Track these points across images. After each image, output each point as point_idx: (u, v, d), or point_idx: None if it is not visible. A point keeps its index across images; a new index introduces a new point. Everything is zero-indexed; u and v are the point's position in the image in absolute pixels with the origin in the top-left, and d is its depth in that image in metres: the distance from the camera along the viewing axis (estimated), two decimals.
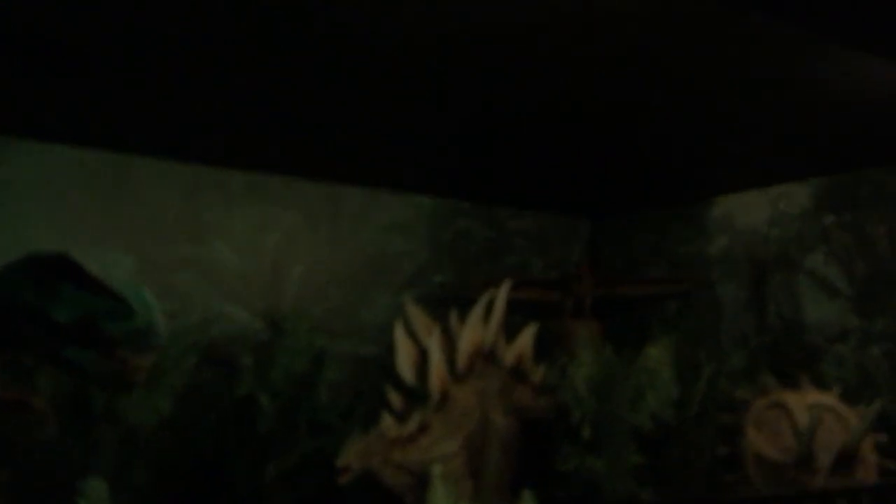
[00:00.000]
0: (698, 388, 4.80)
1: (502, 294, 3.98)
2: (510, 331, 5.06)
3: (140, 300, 1.93)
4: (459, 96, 4.63)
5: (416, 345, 3.67)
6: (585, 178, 6.81)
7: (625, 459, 4.12)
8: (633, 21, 3.96)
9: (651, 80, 4.62)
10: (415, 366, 3.59)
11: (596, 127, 5.31)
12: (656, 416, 4.44)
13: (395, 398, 3.40)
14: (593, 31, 4.05)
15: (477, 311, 3.86)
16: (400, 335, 3.53)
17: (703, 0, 3.80)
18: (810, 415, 4.37)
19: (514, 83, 4.56)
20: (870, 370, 5.59)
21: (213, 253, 4.81)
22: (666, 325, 6.02)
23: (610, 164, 6.33)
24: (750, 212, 7.09)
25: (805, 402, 4.69)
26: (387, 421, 3.17)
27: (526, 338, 4.31)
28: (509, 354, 4.29)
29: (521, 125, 5.25)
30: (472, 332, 3.89)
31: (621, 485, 4.07)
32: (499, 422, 3.90)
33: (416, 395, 3.56)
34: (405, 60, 3.75)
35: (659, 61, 4.40)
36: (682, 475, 4.71)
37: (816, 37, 4.19)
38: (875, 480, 4.36)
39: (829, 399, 4.86)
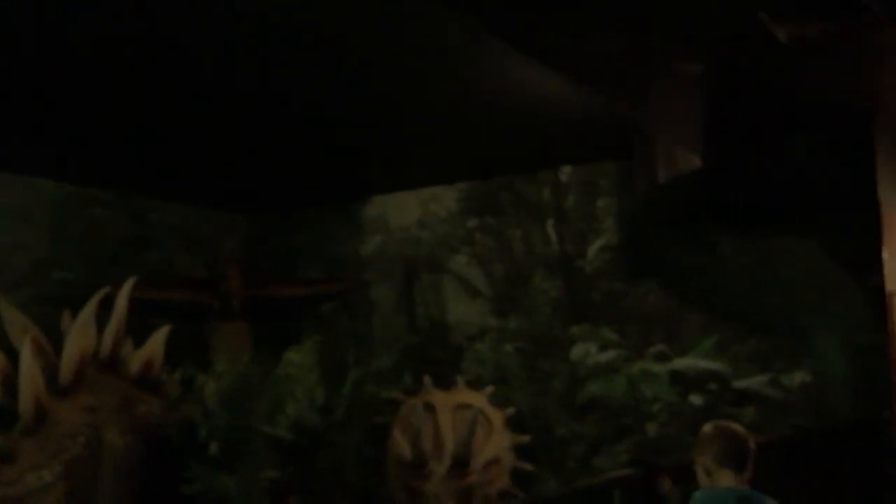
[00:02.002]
0: (345, 391, 4.67)
1: (124, 292, 3.46)
2: (146, 336, 4.49)
3: None
4: (95, 75, 4.01)
5: (4, 353, 3.02)
6: (240, 173, 6.40)
7: (260, 475, 3.83)
8: (286, 22, 3.70)
9: (310, 79, 4.41)
10: (2, 378, 2.94)
11: (252, 121, 4.96)
12: (299, 424, 4.21)
13: None
14: (244, 31, 3.73)
15: (87, 312, 3.30)
16: None
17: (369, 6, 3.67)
18: (454, 417, 4.43)
19: (158, 69, 4.05)
20: (504, 367, 5.94)
21: None
22: (316, 327, 5.85)
23: (266, 159, 6.00)
24: (403, 213, 7.22)
25: (452, 402, 4.77)
26: None
27: (155, 343, 3.81)
28: (135, 362, 3.76)
29: (166, 111, 4.72)
30: (81, 337, 3.32)
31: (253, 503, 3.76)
32: (115, 442, 3.36)
33: (3, 416, 2.92)
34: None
35: (319, 63, 4.20)
36: (330, 483, 4.54)
37: (467, 47, 4.28)
38: (507, 482, 4.55)
39: (477, 399, 4.98)
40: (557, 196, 6.40)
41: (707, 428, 2.90)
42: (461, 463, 4.35)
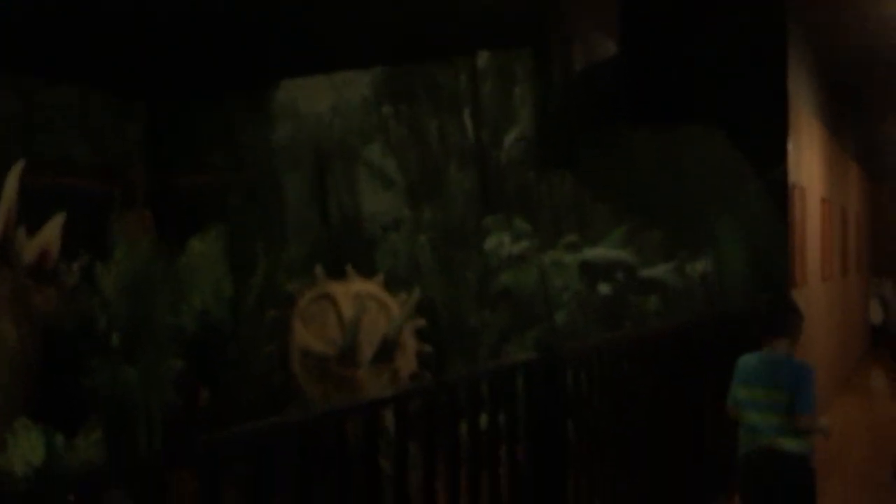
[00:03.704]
0: (254, 283, 4.58)
1: (13, 176, 3.24)
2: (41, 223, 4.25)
3: None
4: None
5: None
6: (140, 56, 5.99)
7: (163, 366, 3.75)
8: None
9: None
10: None
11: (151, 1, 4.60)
12: (206, 316, 4.13)
13: None
14: None
15: None
16: None
17: None
18: (355, 306, 4.42)
19: None
20: (418, 258, 5.93)
21: None
22: (223, 217, 5.66)
23: (167, 42, 5.63)
24: (314, 99, 6.96)
25: (351, 291, 4.75)
26: None
27: (50, 231, 3.63)
28: (29, 251, 3.57)
29: None
30: None
31: (157, 395, 3.70)
32: (8, 334, 3.21)
33: None
34: None
35: None
36: (237, 376, 4.50)
37: None
38: (414, 365, 4.61)
39: (373, 287, 4.98)
40: (474, 83, 6.26)
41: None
42: (386, 349, 4.38)
